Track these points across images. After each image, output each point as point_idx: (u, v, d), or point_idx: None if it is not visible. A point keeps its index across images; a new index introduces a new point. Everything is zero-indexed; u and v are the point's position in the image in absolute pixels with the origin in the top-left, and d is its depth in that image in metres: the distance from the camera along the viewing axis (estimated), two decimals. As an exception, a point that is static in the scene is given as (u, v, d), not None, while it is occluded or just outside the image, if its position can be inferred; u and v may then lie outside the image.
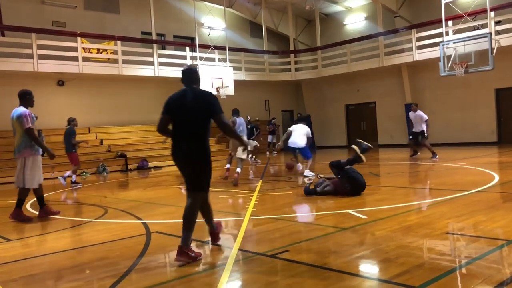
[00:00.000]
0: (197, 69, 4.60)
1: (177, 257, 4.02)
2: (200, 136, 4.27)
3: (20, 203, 6.85)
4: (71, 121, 12.43)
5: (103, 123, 18.35)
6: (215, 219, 4.73)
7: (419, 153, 14.69)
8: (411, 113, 14.57)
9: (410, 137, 14.78)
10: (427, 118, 14.08)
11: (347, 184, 7.24)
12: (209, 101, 4.28)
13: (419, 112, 14.22)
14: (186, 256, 4.02)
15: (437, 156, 13.54)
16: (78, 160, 12.40)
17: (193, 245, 4.30)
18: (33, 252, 4.91)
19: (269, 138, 21.16)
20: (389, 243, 4.33)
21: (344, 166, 7.45)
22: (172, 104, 4.41)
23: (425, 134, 14.03)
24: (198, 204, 4.34)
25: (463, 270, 3.52)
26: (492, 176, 8.77)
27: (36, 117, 7.42)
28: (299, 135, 11.44)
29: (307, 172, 11.02)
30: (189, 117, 4.24)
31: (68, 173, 12.34)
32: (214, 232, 4.70)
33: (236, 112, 11.89)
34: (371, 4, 22.46)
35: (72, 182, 12.15)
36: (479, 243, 4.24)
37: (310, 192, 7.58)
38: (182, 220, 4.21)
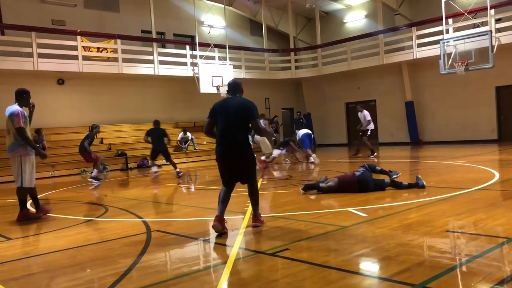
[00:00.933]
0: (240, 82, 5.60)
1: (253, 223, 5.25)
2: (243, 136, 5.19)
3: (23, 204, 6.82)
4: (94, 128, 12.91)
5: (103, 122, 18.30)
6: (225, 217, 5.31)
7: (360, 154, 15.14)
8: (359, 114, 15.15)
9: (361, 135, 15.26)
10: (369, 118, 14.94)
11: (358, 185, 7.27)
12: (249, 107, 5.21)
13: (365, 112, 14.96)
14: (259, 221, 5.28)
15: (375, 154, 14.35)
16: (93, 157, 12.64)
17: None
18: (34, 251, 4.91)
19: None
20: (389, 241, 4.33)
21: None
22: (216, 109, 5.34)
23: (368, 133, 14.81)
24: (257, 184, 5.35)
25: (464, 268, 3.52)
26: (493, 174, 8.77)
27: (33, 106, 7.33)
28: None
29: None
30: (233, 120, 5.10)
31: (94, 172, 12.67)
32: (254, 216, 5.45)
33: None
34: (371, 2, 22.43)
35: (92, 177, 12.55)
36: (479, 241, 4.24)
37: (309, 188, 7.61)
38: (251, 199, 5.35)
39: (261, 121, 12.73)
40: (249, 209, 6.38)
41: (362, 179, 7.34)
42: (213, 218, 5.08)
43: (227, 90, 5.48)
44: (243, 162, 5.18)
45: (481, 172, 9.16)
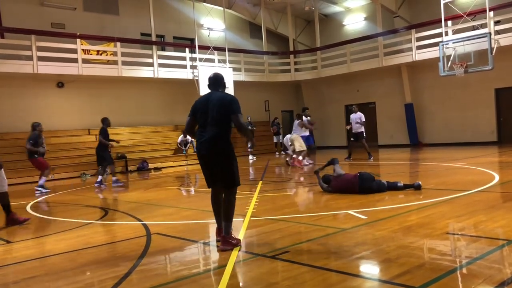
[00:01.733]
0: (222, 75, 5.05)
1: (222, 246, 4.47)
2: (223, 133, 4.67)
3: (7, 208, 6.73)
4: (36, 126, 11.50)
5: (103, 125, 18.35)
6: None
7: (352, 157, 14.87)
8: (352, 115, 14.89)
9: (352, 139, 15.08)
10: (364, 119, 14.60)
11: (359, 186, 7.33)
12: (228, 100, 4.69)
13: (360, 113, 14.68)
14: (230, 244, 4.48)
15: (372, 158, 14.16)
16: (43, 165, 11.67)
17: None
18: (34, 254, 4.91)
19: (274, 139, 21.11)
20: (389, 243, 4.33)
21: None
22: (197, 106, 4.85)
23: (364, 135, 14.59)
24: (234, 198, 4.69)
25: (464, 270, 3.52)
26: (492, 176, 8.76)
27: None
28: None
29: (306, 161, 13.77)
30: (212, 117, 4.62)
31: (41, 180, 11.62)
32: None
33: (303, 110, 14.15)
34: (371, 5, 22.47)
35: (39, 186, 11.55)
36: (479, 243, 4.24)
37: (326, 180, 7.86)
38: (223, 212, 4.64)
39: (305, 118, 14.16)
40: (249, 212, 6.39)
41: (363, 179, 7.39)
42: (213, 221, 5.05)
43: (208, 85, 4.99)
44: (221, 163, 4.63)
45: (481, 174, 9.16)
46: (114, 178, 12.05)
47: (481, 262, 3.62)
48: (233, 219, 5.97)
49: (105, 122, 12.10)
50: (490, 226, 4.81)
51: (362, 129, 14.56)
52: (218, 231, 4.76)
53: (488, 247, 4.08)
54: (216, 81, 4.95)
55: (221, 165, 4.62)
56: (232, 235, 4.59)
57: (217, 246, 4.61)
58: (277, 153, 20.85)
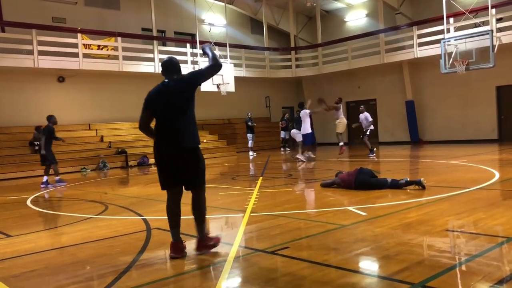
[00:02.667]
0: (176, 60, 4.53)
1: (199, 250, 4.20)
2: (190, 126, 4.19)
3: None
4: (51, 118, 11.54)
5: (103, 120, 18.36)
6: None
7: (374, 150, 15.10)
8: (361, 115, 15.18)
9: (361, 136, 15.34)
10: (371, 119, 15.08)
11: (356, 185, 7.37)
12: (189, 77, 4.33)
13: (366, 113, 15.05)
14: (206, 246, 4.21)
15: (374, 155, 14.45)
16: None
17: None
18: (34, 248, 4.92)
19: (282, 134, 21.06)
20: (389, 240, 4.33)
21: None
22: (152, 98, 4.31)
23: (367, 133, 14.92)
24: (205, 199, 4.43)
25: (463, 267, 3.53)
26: (493, 173, 8.76)
27: None
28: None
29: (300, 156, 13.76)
30: (177, 108, 4.13)
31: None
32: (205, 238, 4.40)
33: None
34: (372, 1, 22.40)
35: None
36: (479, 240, 4.24)
37: (327, 185, 7.95)
38: (195, 214, 4.38)
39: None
40: (249, 208, 6.39)
41: (361, 173, 7.42)
42: (213, 216, 5.06)
43: (161, 71, 4.45)
44: (192, 162, 4.16)
45: (481, 172, 9.16)
46: (57, 178, 11.71)
47: (480, 259, 3.62)
48: (233, 215, 5.97)
49: (51, 120, 11.49)
50: (490, 224, 4.81)
51: (371, 127, 15.01)
52: (174, 246, 4.18)
53: (487, 245, 4.08)
54: (170, 67, 4.40)
55: (193, 165, 4.18)
56: (209, 237, 4.32)
57: (171, 257, 4.14)
58: (282, 148, 20.78)
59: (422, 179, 7.22)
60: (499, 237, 4.39)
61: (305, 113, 14.32)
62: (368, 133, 14.93)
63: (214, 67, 4.30)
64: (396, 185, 7.29)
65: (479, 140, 18.47)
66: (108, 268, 3.94)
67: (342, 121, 14.89)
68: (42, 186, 11.24)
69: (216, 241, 4.31)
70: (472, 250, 3.94)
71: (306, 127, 14.24)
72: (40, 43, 15.73)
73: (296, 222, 5.43)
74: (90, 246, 4.81)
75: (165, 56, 19.36)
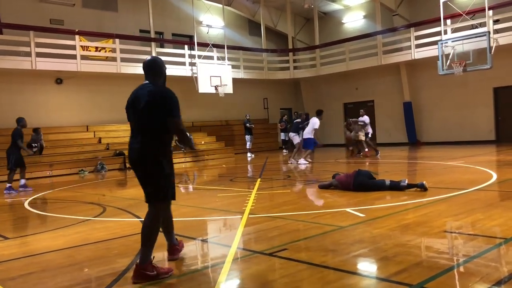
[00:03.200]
0: (159, 62, 4.03)
1: (134, 279, 3.57)
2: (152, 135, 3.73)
3: None
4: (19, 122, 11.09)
5: (101, 121, 18.33)
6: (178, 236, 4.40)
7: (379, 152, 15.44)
8: (361, 118, 15.55)
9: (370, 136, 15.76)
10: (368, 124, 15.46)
11: (355, 187, 7.38)
12: (161, 98, 3.74)
13: (365, 117, 15.48)
14: (145, 276, 3.55)
15: (362, 154, 15.03)
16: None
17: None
18: (31, 250, 4.90)
19: (282, 135, 21.02)
20: (387, 241, 4.34)
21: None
22: (128, 103, 3.96)
23: (369, 136, 15.47)
24: (158, 218, 3.78)
25: (461, 269, 3.53)
26: (490, 174, 8.78)
27: None
28: (309, 127, 13.87)
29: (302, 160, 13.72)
30: (140, 117, 3.76)
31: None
32: (174, 246, 4.21)
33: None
34: (370, 3, 22.45)
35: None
36: (476, 242, 4.25)
37: (325, 187, 7.98)
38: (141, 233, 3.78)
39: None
40: (247, 209, 6.39)
41: (359, 175, 7.45)
42: (211, 218, 5.05)
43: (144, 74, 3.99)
44: (143, 174, 3.74)
45: (478, 173, 9.18)
46: (22, 182, 11.08)
47: (478, 260, 3.63)
48: (231, 216, 5.94)
49: (20, 122, 10.99)
50: (488, 225, 4.82)
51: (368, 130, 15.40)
52: (170, 247, 4.13)
53: (485, 246, 4.09)
54: (150, 68, 3.90)
55: (145, 178, 3.74)
56: (153, 265, 3.66)
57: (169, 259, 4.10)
58: (284, 150, 20.76)
59: (424, 182, 7.21)
60: (497, 238, 4.40)
61: (313, 122, 13.95)
62: (369, 136, 15.29)
63: (178, 131, 3.78)
64: (396, 187, 7.26)
65: (476, 141, 18.51)
66: (106, 270, 3.93)
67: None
68: (5, 192, 10.52)
69: (160, 273, 3.63)
70: (470, 251, 3.95)
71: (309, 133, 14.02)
72: (38, 45, 15.70)
73: (294, 224, 5.43)
74: (88, 248, 4.80)
75: (163, 58, 19.32)
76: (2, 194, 10.37)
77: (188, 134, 3.92)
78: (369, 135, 15.43)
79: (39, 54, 15.69)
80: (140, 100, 3.78)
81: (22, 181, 11.13)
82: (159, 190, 3.71)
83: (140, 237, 3.76)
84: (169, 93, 3.77)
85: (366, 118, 15.36)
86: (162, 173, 3.69)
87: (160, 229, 3.94)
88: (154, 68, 3.94)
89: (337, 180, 7.76)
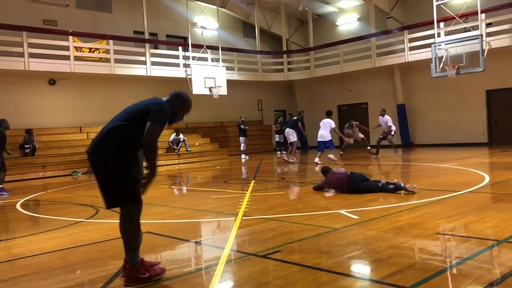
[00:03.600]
0: (180, 99, 3.89)
1: (125, 282, 3.51)
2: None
3: None
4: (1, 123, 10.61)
5: (94, 123, 18.22)
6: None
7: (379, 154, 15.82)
8: (380, 117, 15.75)
9: (381, 137, 16.00)
10: (391, 124, 15.65)
11: (349, 191, 7.39)
12: (151, 104, 3.63)
13: (386, 117, 15.57)
14: (136, 279, 3.49)
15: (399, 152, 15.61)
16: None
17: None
18: (23, 252, 4.87)
19: (277, 137, 21.01)
20: (380, 243, 4.34)
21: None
22: None
23: (392, 133, 15.70)
24: (131, 219, 3.60)
25: (454, 270, 3.54)
26: (483, 176, 8.83)
27: None
28: (324, 128, 14.02)
29: (332, 156, 14.10)
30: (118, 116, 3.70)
31: None
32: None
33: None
34: (364, 5, 22.54)
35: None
36: (469, 244, 4.26)
37: (318, 188, 7.94)
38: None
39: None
40: (241, 211, 6.38)
41: (352, 179, 7.44)
42: (205, 220, 5.04)
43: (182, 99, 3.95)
44: (100, 176, 3.56)
45: (471, 175, 9.23)
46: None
47: (471, 262, 3.65)
48: (224, 218, 5.94)
49: (3, 124, 10.56)
50: (480, 227, 4.84)
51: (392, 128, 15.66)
52: (124, 264, 3.65)
53: (478, 248, 4.11)
54: (173, 97, 3.87)
55: (102, 181, 3.56)
56: (145, 266, 3.59)
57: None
58: (278, 152, 20.76)
59: (408, 186, 7.14)
60: (489, 240, 4.42)
61: (329, 122, 14.19)
62: (393, 133, 15.64)
63: (146, 143, 3.48)
64: (385, 189, 7.26)
65: (469, 144, 18.62)
66: (98, 272, 3.91)
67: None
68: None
69: (151, 276, 3.56)
70: (463, 253, 3.97)
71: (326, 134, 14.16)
72: (31, 45, 15.61)
73: (288, 226, 5.43)
74: (81, 250, 4.77)
75: (157, 59, 19.22)
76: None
77: (155, 159, 3.55)
78: (393, 133, 15.69)
79: (32, 55, 15.61)
80: (142, 102, 3.74)
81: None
82: (122, 195, 3.57)
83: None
84: (164, 104, 3.67)
85: (389, 119, 15.53)
86: (128, 171, 3.55)
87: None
88: (176, 98, 3.85)
89: (328, 183, 7.75)
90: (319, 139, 14.22)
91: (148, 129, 3.44)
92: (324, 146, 14.14)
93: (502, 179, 8.71)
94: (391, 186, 7.22)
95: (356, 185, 7.37)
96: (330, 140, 14.18)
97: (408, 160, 14.42)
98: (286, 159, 15.36)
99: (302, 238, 4.78)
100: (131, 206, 3.56)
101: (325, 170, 8.08)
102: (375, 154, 15.58)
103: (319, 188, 7.99)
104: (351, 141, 15.75)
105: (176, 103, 3.80)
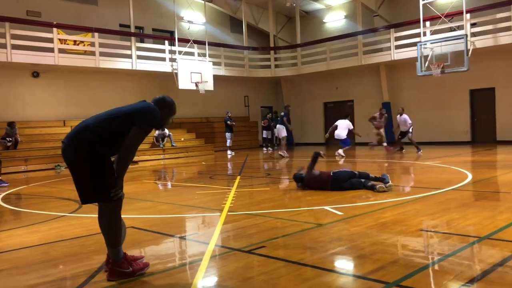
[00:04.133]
0: (165, 103, 3.75)
1: (109, 277, 3.48)
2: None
3: None
4: None
5: (79, 116, 17.95)
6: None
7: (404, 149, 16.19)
8: (399, 116, 15.99)
9: (400, 136, 16.21)
10: (410, 122, 15.76)
11: (331, 183, 7.38)
12: (139, 108, 3.58)
13: (404, 116, 15.71)
14: (120, 274, 3.46)
15: (420, 151, 15.09)
16: None
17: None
18: (3, 246, 4.79)
19: (264, 133, 20.99)
20: (364, 239, 4.37)
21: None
22: None
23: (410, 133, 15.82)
24: (114, 214, 3.52)
25: (436, 267, 3.58)
26: (466, 174, 8.95)
27: None
28: (342, 128, 14.91)
29: (341, 151, 14.76)
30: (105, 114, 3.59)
31: None
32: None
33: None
34: (351, 3, 22.63)
35: None
36: (451, 240, 4.32)
37: (298, 179, 7.87)
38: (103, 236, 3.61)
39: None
40: (226, 206, 6.37)
41: (336, 177, 7.44)
42: (190, 215, 5.02)
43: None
44: (76, 170, 3.49)
45: (454, 173, 9.35)
46: None
47: (453, 258, 3.69)
48: (210, 214, 5.92)
49: None
50: (462, 224, 4.91)
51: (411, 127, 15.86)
52: (107, 258, 3.59)
53: (460, 244, 4.16)
54: (156, 103, 3.71)
55: (83, 168, 3.44)
56: (128, 261, 3.56)
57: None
58: (265, 148, 20.75)
59: (378, 186, 7.15)
60: (471, 237, 4.48)
61: (347, 124, 15.15)
62: (410, 130, 15.78)
63: (125, 148, 3.43)
64: (367, 187, 7.31)
65: (453, 142, 18.86)
66: (81, 267, 3.86)
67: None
68: None
69: (138, 270, 3.55)
70: (445, 249, 4.01)
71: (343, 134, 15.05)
72: (14, 36, 15.33)
73: (273, 221, 5.44)
74: (63, 245, 4.71)
75: (143, 53, 19.05)
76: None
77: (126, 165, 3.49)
78: (411, 130, 15.85)
79: (15, 46, 15.34)
80: (129, 106, 3.66)
81: None
82: (100, 188, 3.46)
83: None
84: (154, 109, 3.59)
85: (407, 118, 15.71)
86: (103, 167, 3.48)
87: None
88: (164, 105, 3.73)
89: (307, 182, 7.72)
90: (336, 137, 15.14)
91: (132, 135, 3.40)
92: (345, 142, 15.02)
93: (484, 177, 8.84)
94: (369, 184, 7.27)
95: (339, 185, 7.38)
96: (346, 139, 15.01)
97: (393, 158, 14.54)
98: (282, 154, 15.80)
99: (286, 233, 4.79)
100: (111, 203, 3.46)
101: (299, 178, 7.89)
102: (400, 150, 15.91)
103: (298, 179, 7.93)
104: (379, 138, 16.25)
105: (165, 110, 3.72)
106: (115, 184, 3.42)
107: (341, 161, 13.75)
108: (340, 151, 14.80)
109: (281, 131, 16.04)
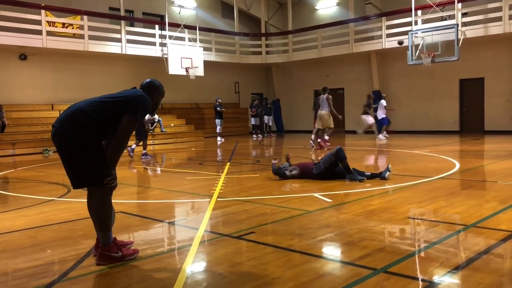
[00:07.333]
0: (154, 86, 3.75)
1: (98, 261, 3.48)
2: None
3: None
4: None
5: (67, 100, 17.79)
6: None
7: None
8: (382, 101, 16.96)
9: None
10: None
11: (318, 171, 7.30)
12: (132, 97, 3.51)
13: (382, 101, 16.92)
14: (109, 258, 3.47)
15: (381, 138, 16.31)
16: None
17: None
18: (-9, 230, 4.75)
19: (252, 120, 20.93)
20: (352, 226, 4.42)
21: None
22: None
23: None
24: (105, 198, 3.51)
25: (422, 254, 3.63)
26: (453, 163, 9.05)
27: None
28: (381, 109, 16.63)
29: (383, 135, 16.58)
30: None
31: None
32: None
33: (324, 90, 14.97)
34: (343, -10, 22.50)
35: None
36: (438, 228, 4.38)
37: (278, 173, 7.65)
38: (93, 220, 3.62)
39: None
40: (216, 192, 6.38)
41: (318, 166, 7.36)
42: (179, 201, 5.02)
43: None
44: (67, 154, 3.43)
45: (442, 162, 9.44)
46: None
47: (439, 246, 3.75)
48: (199, 199, 5.92)
49: None
50: (449, 212, 4.97)
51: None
52: (96, 243, 3.61)
53: (446, 232, 4.22)
54: (145, 89, 3.69)
55: (75, 153, 3.38)
56: (118, 246, 3.57)
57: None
58: (254, 136, 20.71)
59: (364, 178, 7.09)
60: (457, 224, 4.55)
61: (382, 104, 16.97)
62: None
63: (119, 137, 3.44)
64: (353, 179, 7.15)
65: (441, 132, 19.01)
66: (69, 251, 3.85)
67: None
68: None
69: (124, 255, 3.55)
70: (432, 237, 4.07)
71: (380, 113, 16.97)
72: (1, 18, 15.05)
73: (262, 208, 5.46)
74: (52, 229, 4.69)
75: (132, 37, 18.81)
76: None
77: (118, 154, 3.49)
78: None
79: (1, 28, 15.07)
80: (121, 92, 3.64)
81: None
82: (89, 171, 3.44)
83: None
84: (145, 97, 3.56)
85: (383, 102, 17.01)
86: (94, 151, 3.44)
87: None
88: (154, 89, 3.72)
89: (299, 169, 7.61)
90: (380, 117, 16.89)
91: (124, 123, 3.40)
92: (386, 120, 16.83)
93: (471, 166, 8.95)
94: (361, 178, 7.17)
95: (324, 176, 7.26)
96: (383, 118, 16.91)
97: (382, 146, 14.64)
98: (380, 137, 16.54)
99: (275, 220, 4.82)
100: (103, 188, 3.43)
101: (278, 172, 7.68)
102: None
103: (279, 174, 7.75)
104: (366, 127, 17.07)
105: (155, 93, 3.71)
106: (108, 168, 3.41)
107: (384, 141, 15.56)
108: (381, 136, 16.27)
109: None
